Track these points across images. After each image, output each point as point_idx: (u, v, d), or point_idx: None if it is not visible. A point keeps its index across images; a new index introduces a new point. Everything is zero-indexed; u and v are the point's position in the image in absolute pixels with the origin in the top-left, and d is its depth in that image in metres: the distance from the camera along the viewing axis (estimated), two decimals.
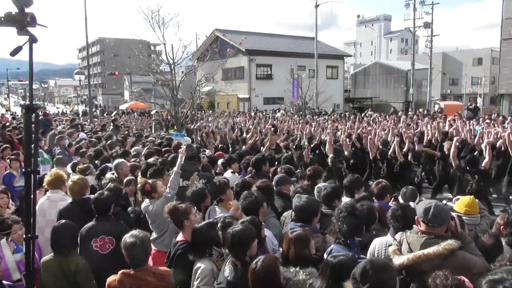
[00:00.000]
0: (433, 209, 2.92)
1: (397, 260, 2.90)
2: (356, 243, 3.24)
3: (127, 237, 3.22)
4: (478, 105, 30.18)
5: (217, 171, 7.27)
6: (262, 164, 6.46)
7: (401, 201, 4.53)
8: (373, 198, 4.65)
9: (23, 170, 2.77)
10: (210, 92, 29.22)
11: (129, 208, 5.31)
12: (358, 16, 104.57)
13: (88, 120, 23.29)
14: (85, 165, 6.52)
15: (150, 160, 6.84)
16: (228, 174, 6.53)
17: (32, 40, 2.33)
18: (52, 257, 3.66)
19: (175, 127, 14.88)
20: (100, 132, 13.48)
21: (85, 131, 14.78)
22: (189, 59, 17.93)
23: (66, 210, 4.50)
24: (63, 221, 3.87)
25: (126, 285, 3.07)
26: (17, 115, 31.19)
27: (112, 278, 3.16)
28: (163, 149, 8.56)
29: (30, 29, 2.32)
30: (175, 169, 5.02)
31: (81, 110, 41.26)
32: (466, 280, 2.45)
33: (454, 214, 3.23)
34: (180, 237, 3.78)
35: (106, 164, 7.13)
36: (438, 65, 44.02)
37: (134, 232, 3.29)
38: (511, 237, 3.35)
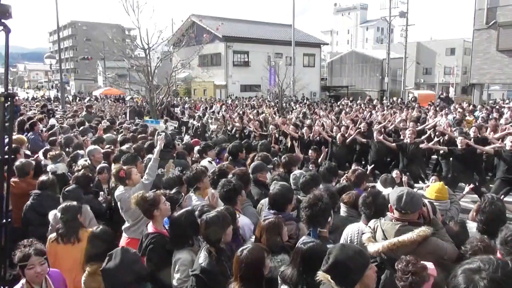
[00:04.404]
0: (405, 196, 2.97)
1: (372, 248, 2.94)
2: (317, 234, 3.14)
3: (18, 162, 5.16)
4: (450, 94, 30.93)
5: (193, 158, 7.19)
6: (238, 151, 6.42)
7: (380, 187, 4.58)
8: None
9: None
10: (187, 78, 28.82)
11: (100, 198, 5.20)
12: (335, 4, 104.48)
13: (60, 106, 22.64)
14: (56, 152, 6.33)
15: (124, 147, 6.70)
16: (205, 162, 6.47)
17: (8, 30, 2.20)
18: None
19: (151, 114, 14.64)
20: (72, 119, 13.11)
21: (56, 117, 14.34)
22: (165, 44, 17.58)
23: None
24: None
25: (15, 187, 4.83)
26: None
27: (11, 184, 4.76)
28: (138, 135, 8.41)
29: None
30: (154, 155, 4.90)
31: (52, 95, 39.95)
32: (430, 267, 2.49)
33: (426, 200, 3.30)
34: (150, 227, 3.66)
35: (78, 151, 6.94)
36: (413, 55, 44.72)
37: (23, 160, 5.31)
38: (481, 224, 3.44)
